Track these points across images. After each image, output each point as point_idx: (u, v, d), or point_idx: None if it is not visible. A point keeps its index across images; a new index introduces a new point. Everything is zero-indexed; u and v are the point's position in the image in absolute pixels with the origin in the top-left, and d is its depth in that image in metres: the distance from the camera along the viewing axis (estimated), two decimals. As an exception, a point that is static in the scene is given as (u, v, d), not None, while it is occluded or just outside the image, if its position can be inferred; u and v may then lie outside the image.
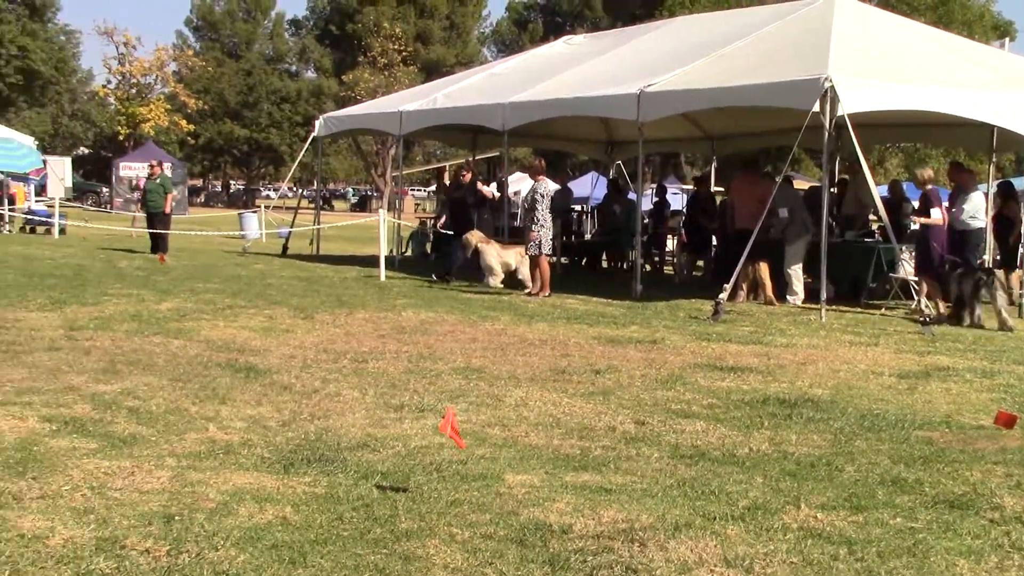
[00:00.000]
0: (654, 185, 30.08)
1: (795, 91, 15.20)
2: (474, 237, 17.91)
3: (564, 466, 6.11)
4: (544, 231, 16.68)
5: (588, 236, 25.52)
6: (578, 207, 27.21)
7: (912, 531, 5.03)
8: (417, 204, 76.05)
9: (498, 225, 21.24)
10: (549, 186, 17.41)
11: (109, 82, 78.43)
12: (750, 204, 16.36)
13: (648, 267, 22.07)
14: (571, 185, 30.03)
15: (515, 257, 17.79)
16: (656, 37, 22.66)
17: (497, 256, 17.87)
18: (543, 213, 16.68)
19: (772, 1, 23.83)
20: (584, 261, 24.73)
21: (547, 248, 16.87)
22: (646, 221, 22.40)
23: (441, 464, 6.01)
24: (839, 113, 14.61)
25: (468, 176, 19.76)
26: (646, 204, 23.79)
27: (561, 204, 22.98)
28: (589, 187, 32.84)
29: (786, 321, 13.99)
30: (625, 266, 23.09)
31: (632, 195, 23.25)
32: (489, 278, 17.70)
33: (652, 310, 14.93)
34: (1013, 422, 7.27)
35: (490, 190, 20.48)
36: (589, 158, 43.26)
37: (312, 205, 38.38)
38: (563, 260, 23.53)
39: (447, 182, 26.51)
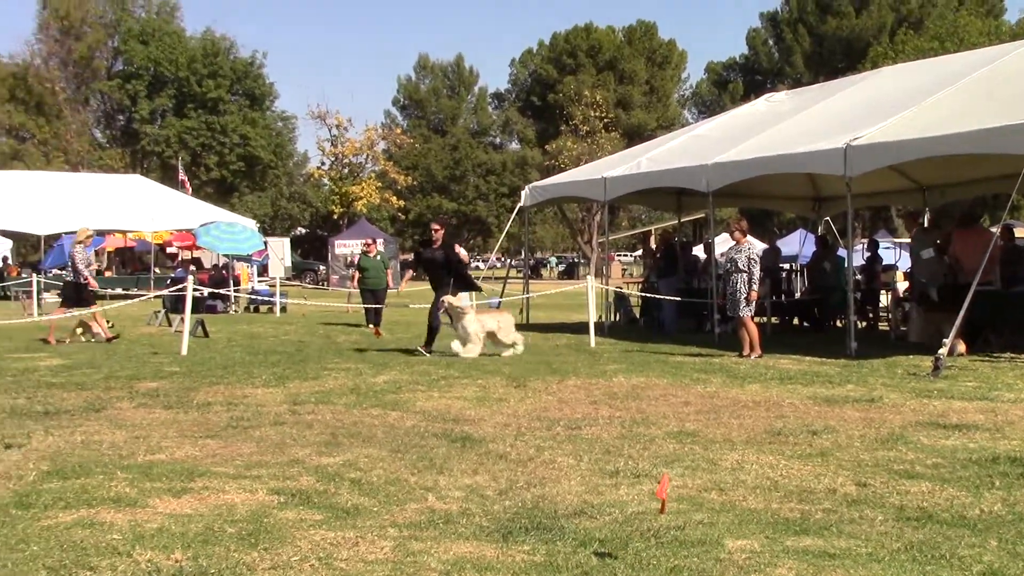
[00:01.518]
0: (865, 240, 29.39)
1: (1009, 135, 14.68)
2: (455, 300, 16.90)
3: (784, 530, 5.99)
4: (740, 291, 16.50)
5: (798, 295, 25.07)
6: (787, 265, 26.78)
7: None
8: (624, 269, 76.17)
9: (704, 287, 21.10)
10: (756, 247, 17.22)
11: (323, 163, 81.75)
12: (975, 257, 15.79)
13: (862, 324, 21.51)
14: (779, 243, 29.63)
15: (493, 322, 17.23)
16: (860, 90, 22.26)
17: (478, 322, 16.99)
18: (752, 273, 16.50)
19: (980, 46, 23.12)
20: (795, 320, 24.29)
21: (749, 310, 16.60)
22: (858, 277, 21.87)
23: (659, 530, 5.96)
24: (1063, 156, 14.04)
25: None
26: (857, 259, 23.25)
27: (770, 263, 22.69)
28: (797, 245, 32.32)
29: (1013, 375, 13.42)
30: (839, 324, 22.57)
31: (842, 251, 22.78)
32: (466, 346, 16.68)
33: (868, 368, 14.53)
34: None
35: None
36: (796, 215, 42.60)
37: (521, 274, 38.87)
38: (773, 320, 23.16)
39: (653, 246, 26.50)
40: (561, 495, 6.91)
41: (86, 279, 19.75)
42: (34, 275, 33.73)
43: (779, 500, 6.73)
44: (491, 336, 16.98)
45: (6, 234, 49.28)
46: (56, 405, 10.99)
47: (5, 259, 49.55)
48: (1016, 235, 22.19)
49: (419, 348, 17.16)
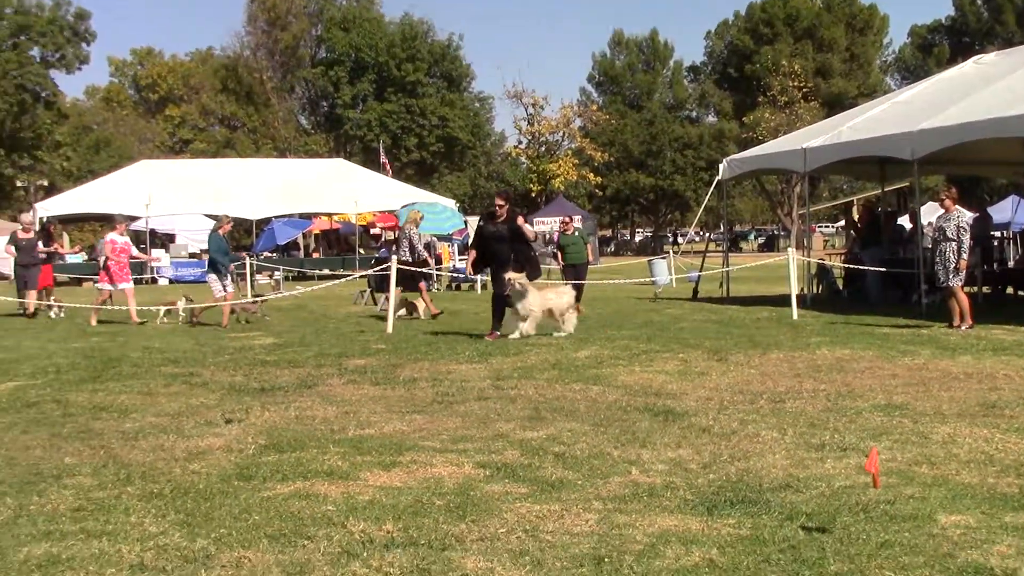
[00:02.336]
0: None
1: None
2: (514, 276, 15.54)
3: (1002, 506, 5.79)
4: (950, 260, 15.96)
5: (1011, 263, 24.08)
6: (998, 233, 25.76)
7: None
8: (826, 240, 74.52)
9: (910, 256, 20.49)
10: (965, 215, 16.60)
11: (520, 142, 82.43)
12: None
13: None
14: (990, 211, 28.51)
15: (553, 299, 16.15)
16: (1078, 47, 21.21)
17: (540, 298, 15.85)
18: (961, 242, 15.95)
19: None
20: (1008, 289, 23.36)
21: (959, 279, 16.03)
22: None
23: (868, 504, 5.85)
24: None
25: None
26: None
27: (980, 231, 21.86)
28: (1010, 212, 31.08)
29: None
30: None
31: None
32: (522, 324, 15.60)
33: (1091, 338, 13.89)
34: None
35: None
36: (1007, 181, 40.90)
37: (720, 248, 38.48)
38: (985, 289, 22.33)
39: (856, 216, 25.85)
40: (766, 469, 6.84)
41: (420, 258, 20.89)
42: (247, 258, 35.11)
43: (995, 475, 6.52)
44: (548, 313, 16.05)
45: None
46: (271, 382, 11.43)
47: (219, 243, 51.54)
48: None
49: (487, 336, 15.72)
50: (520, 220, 16.25)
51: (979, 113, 18.77)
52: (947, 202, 16.46)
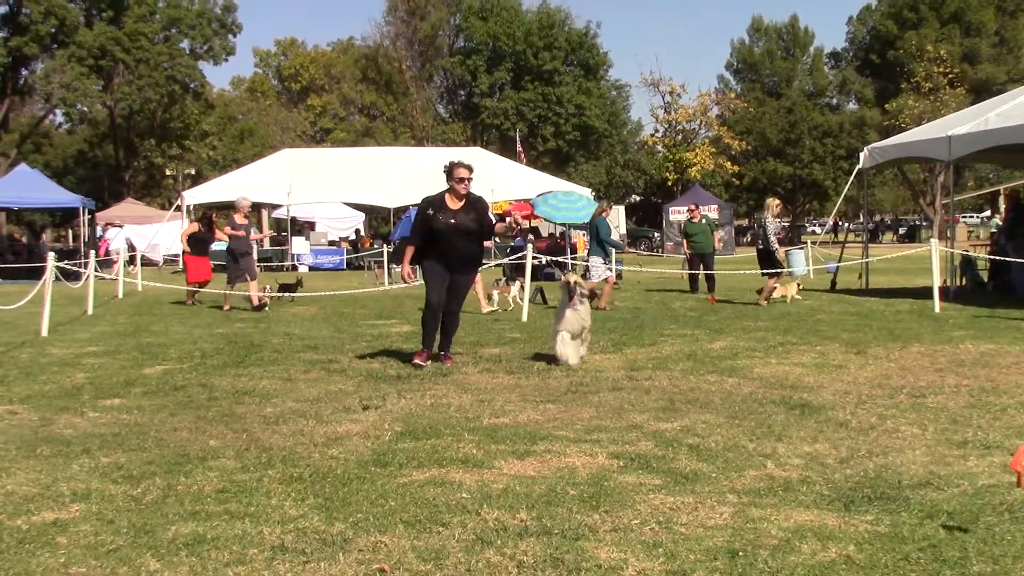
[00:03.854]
0: None
1: None
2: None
3: None
4: None
5: None
6: None
7: None
8: (970, 231, 72.57)
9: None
10: None
11: (657, 131, 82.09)
12: None
13: None
14: None
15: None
16: None
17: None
18: None
19: None
20: None
21: None
22: None
23: (1013, 504, 5.70)
24: None
25: None
26: None
27: None
28: None
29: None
30: None
31: None
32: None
33: None
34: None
35: None
36: None
37: (859, 238, 37.74)
38: None
39: (1002, 206, 25.11)
40: (905, 465, 6.71)
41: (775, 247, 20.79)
42: (385, 246, 35.59)
43: None
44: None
45: (359, 207, 52.22)
46: (407, 370, 11.60)
47: (358, 231, 52.50)
48: None
49: (416, 358, 11.97)
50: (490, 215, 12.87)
51: None
52: None
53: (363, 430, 8.11)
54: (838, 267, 25.70)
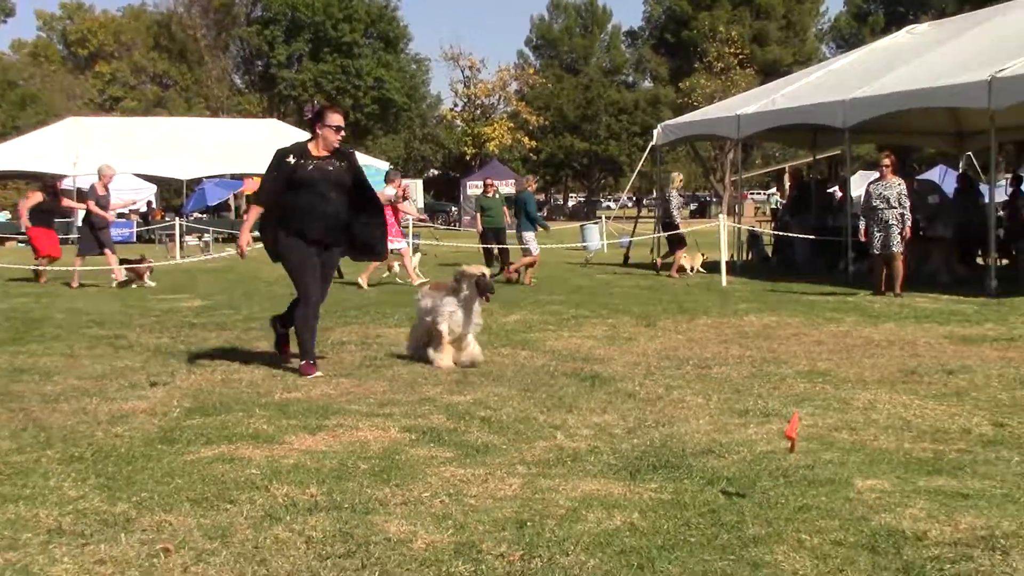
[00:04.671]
0: (1008, 175, 28.49)
1: None
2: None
3: (916, 470, 5.90)
4: (894, 227, 16.12)
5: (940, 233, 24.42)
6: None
7: None
8: (757, 207, 75.14)
9: (839, 225, 20.73)
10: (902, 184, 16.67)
11: (456, 105, 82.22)
12: None
13: (1005, 262, 20.90)
14: (921, 178, 28.90)
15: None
16: (1007, 20, 21.45)
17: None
18: (904, 209, 16.18)
19: None
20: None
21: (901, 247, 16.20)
22: (1000, 214, 21.23)
23: (787, 469, 5.93)
24: None
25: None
26: (1000, 196, 22.53)
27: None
28: (937, 181, 31.48)
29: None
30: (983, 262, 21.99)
31: (983, 187, 22.13)
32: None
33: (1008, 306, 14.17)
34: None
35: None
36: (936, 151, 41.45)
37: (652, 213, 38.67)
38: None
39: (787, 183, 26.08)
40: (689, 434, 6.91)
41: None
42: (177, 219, 34.71)
43: (911, 440, 6.63)
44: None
45: (150, 179, 50.75)
46: (198, 345, 11.34)
47: (150, 203, 51.02)
48: None
49: (304, 371, 9.36)
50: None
51: (911, 83, 18.99)
52: (886, 170, 16.58)
53: (150, 407, 7.89)
54: (631, 242, 26.27)
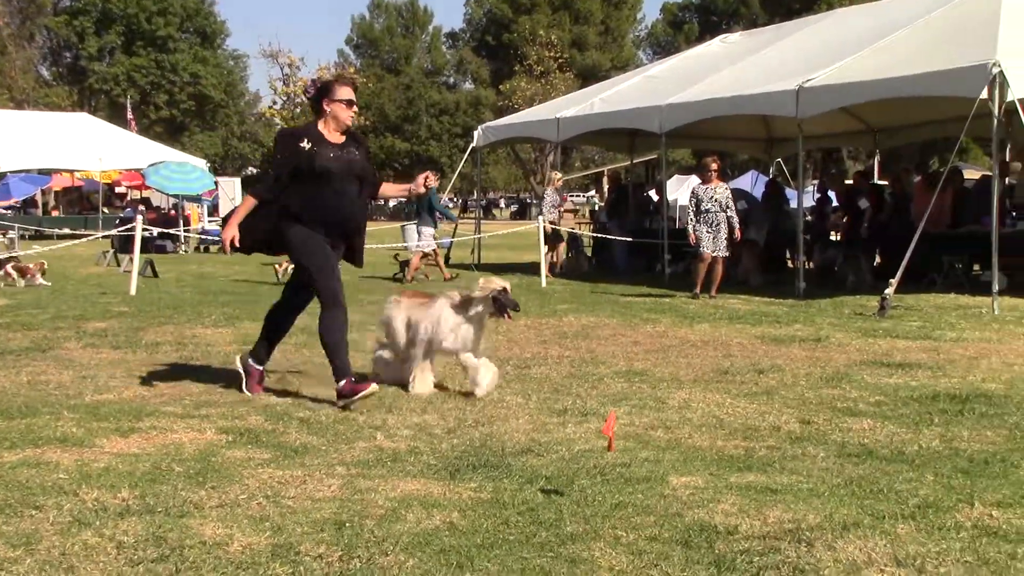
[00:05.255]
0: (816, 181, 29.57)
1: (961, 78, 14.77)
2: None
3: (728, 467, 6.06)
4: (723, 230, 16.47)
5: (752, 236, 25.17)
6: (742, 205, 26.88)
7: (1095, 528, 4.85)
8: (576, 209, 76.23)
9: (656, 227, 21.20)
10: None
11: (275, 103, 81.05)
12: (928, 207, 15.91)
13: (811, 265, 21.67)
14: (733, 183, 29.73)
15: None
16: (815, 31, 22.30)
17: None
18: (731, 213, 16.56)
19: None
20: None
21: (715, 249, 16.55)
22: (808, 219, 22.02)
23: (605, 467, 6.02)
24: (1008, 99, 14.17)
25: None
26: (808, 201, 23.37)
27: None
28: (749, 186, 32.46)
29: (955, 315, 13.62)
30: (791, 265, 22.75)
31: (792, 193, 22.92)
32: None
33: (816, 308, 14.70)
34: None
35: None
36: (748, 156, 42.76)
37: (473, 214, 38.84)
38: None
39: (605, 186, 26.51)
40: (509, 433, 6.95)
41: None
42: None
43: (724, 438, 6.81)
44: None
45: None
46: (2, 345, 10.90)
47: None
48: (966, 177, 22.50)
49: (365, 391, 7.76)
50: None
51: (723, 90, 19.54)
52: (713, 174, 16.86)
53: (-51, 410, 7.54)
54: (452, 242, 26.31)
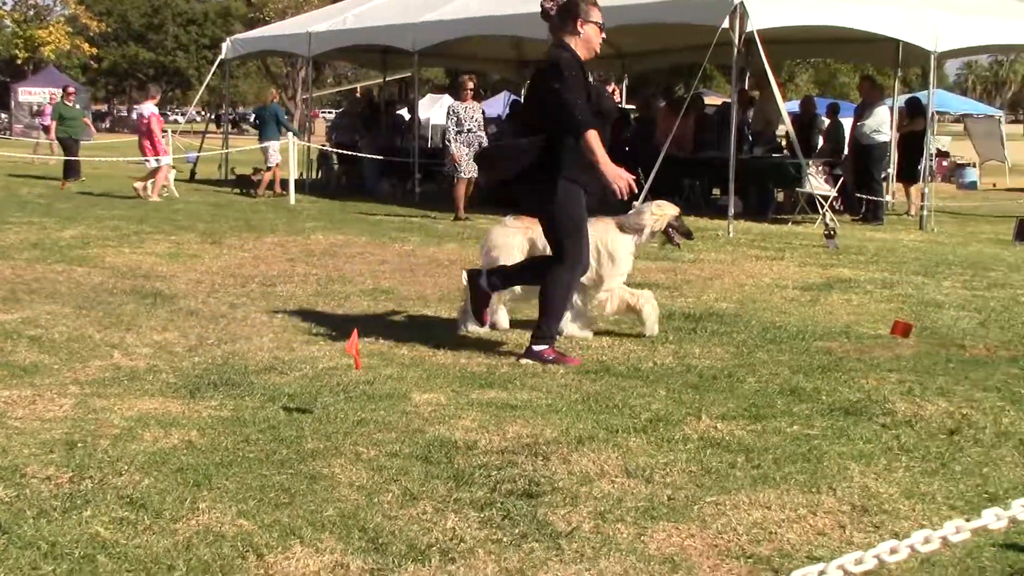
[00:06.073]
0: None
1: (705, 7, 15.28)
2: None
3: (471, 384, 6.16)
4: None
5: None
6: (493, 128, 27.09)
7: (808, 438, 5.16)
8: (328, 126, 75.25)
9: (407, 146, 21.19)
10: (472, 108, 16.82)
11: (4, 3, 76.26)
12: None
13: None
14: (484, 105, 29.89)
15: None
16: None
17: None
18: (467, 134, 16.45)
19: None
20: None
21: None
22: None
23: (348, 385, 6.02)
24: (748, 29, 14.70)
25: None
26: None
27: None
28: (502, 107, 32.70)
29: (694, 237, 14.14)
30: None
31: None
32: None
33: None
34: (908, 330, 7.48)
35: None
36: (500, 77, 43.02)
37: (220, 129, 37.81)
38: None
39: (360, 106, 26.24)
40: (252, 352, 6.86)
41: None
42: None
43: (467, 356, 6.90)
44: None
45: None
46: None
47: None
48: (707, 104, 23.32)
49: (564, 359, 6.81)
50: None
51: (477, 10, 19.53)
52: (469, 93, 16.68)
53: None
54: (198, 157, 25.59)
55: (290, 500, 4.24)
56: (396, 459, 4.76)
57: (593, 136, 6.42)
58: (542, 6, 6.75)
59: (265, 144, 20.98)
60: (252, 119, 25.33)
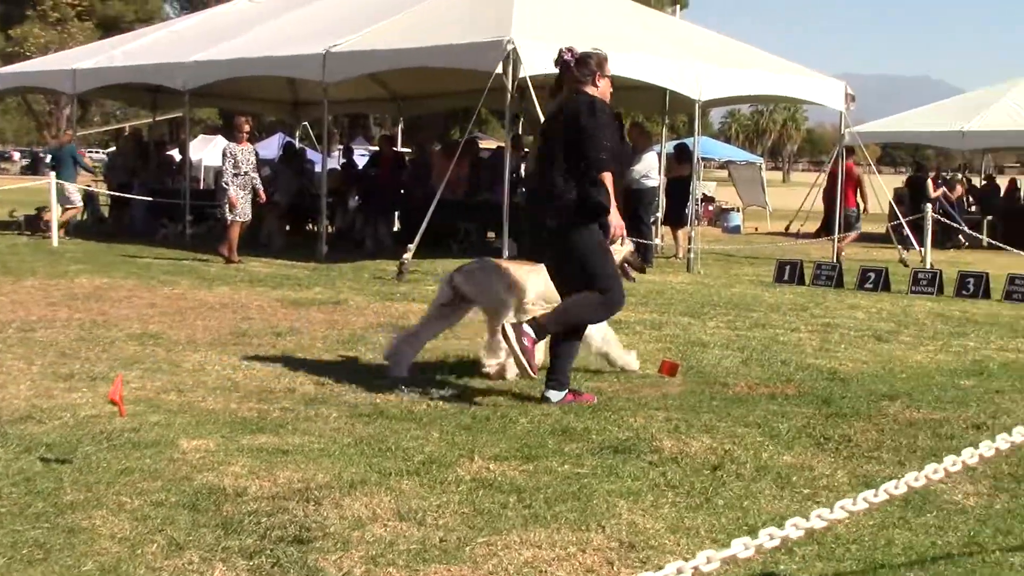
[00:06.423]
0: (341, 147, 29.94)
1: (479, 53, 15.46)
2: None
3: (241, 429, 6.02)
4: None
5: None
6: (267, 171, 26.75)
7: (578, 476, 5.24)
8: (96, 166, 72.94)
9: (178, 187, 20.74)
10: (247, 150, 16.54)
11: None
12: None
13: (332, 229, 21.92)
14: (258, 146, 29.50)
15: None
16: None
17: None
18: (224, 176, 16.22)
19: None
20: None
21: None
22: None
23: (112, 433, 5.79)
24: (521, 75, 14.95)
25: None
26: (332, 164, 23.60)
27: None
28: (276, 148, 32.34)
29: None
30: (314, 228, 22.89)
31: (317, 156, 23.09)
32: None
33: (337, 272, 14.91)
34: (675, 370, 7.71)
35: None
36: (275, 119, 42.58)
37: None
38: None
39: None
40: (7, 400, 6.54)
41: None
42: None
43: (238, 400, 6.75)
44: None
45: None
46: None
47: None
48: (482, 147, 23.63)
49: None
50: None
51: (251, 50, 19.31)
52: (245, 136, 16.36)
53: None
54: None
55: (45, 556, 4.04)
56: (162, 508, 4.60)
57: (609, 178, 6.90)
58: (561, 57, 7.16)
59: (63, 183, 20.27)
60: (48, 159, 24.45)
